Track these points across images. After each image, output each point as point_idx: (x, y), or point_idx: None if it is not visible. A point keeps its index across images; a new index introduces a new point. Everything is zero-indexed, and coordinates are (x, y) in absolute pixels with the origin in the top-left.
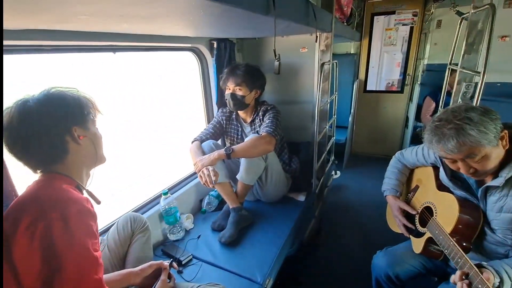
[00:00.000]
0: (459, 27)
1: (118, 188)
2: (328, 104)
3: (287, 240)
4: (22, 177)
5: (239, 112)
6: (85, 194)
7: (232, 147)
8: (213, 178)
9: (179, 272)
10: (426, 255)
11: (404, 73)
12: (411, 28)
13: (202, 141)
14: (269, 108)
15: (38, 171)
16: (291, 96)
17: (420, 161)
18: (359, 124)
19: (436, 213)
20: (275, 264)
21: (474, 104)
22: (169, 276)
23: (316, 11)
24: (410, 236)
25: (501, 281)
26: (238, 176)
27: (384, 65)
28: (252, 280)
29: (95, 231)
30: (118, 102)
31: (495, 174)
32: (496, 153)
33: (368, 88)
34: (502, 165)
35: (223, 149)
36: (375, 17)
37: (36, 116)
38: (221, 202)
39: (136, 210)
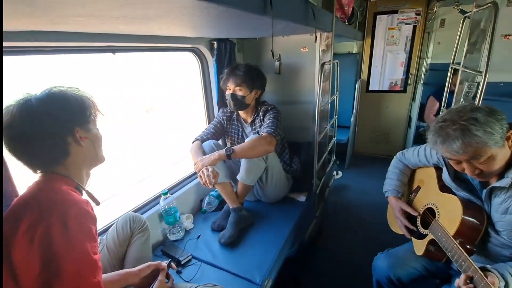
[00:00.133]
0: (462, 26)
1: (117, 189)
2: (329, 104)
3: (287, 241)
4: (23, 177)
5: (239, 112)
6: (85, 195)
7: (232, 147)
8: (213, 180)
9: (178, 272)
10: (428, 257)
11: (407, 73)
12: (414, 27)
13: (203, 141)
14: (269, 108)
15: (38, 171)
16: (292, 96)
17: (422, 162)
18: (361, 124)
19: (438, 214)
20: (275, 265)
21: (476, 104)
22: (168, 276)
23: (316, 10)
24: (412, 237)
25: (506, 284)
26: (238, 177)
27: (387, 65)
28: (251, 281)
29: (95, 234)
30: (118, 102)
31: (501, 175)
32: (502, 154)
33: (370, 88)
34: (508, 166)
35: (224, 150)
36: (378, 16)
37: (38, 116)
38: (222, 202)
39: (136, 210)
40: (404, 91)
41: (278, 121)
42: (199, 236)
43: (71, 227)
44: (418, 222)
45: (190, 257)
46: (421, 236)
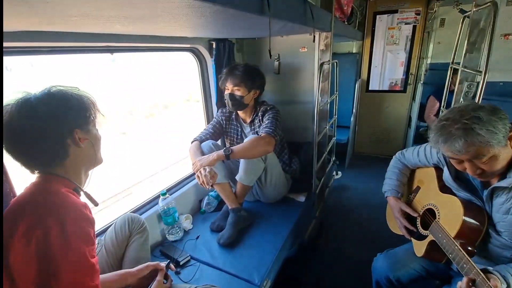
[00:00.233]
0: (461, 26)
1: (118, 189)
2: (329, 104)
3: (286, 241)
4: (22, 177)
5: (238, 112)
6: (83, 196)
7: (231, 148)
8: (210, 180)
9: (177, 273)
10: (428, 259)
11: (407, 73)
12: (414, 27)
13: (201, 141)
14: (268, 108)
15: (36, 172)
16: (291, 96)
17: (422, 162)
18: (361, 124)
19: (439, 215)
20: (274, 265)
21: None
22: (166, 277)
23: (314, 10)
24: (412, 238)
25: (508, 287)
26: (237, 177)
27: (387, 65)
28: (249, 282)
29: (93, 237)
30: (118, 102)
31: (502, 175)
32: (504, 154)
33: (370, 88)
34: (510, 166)
35: (222, 150)
36: (378, 16)
37: (38, 116)
38: (221, 203)
39: (135, 211)
40: (404, 91)
41: (277, 121)
42: (198, 236)
43: (69, 230)
44: (418, 222)
45: (189, 257)
46: (421, 237)
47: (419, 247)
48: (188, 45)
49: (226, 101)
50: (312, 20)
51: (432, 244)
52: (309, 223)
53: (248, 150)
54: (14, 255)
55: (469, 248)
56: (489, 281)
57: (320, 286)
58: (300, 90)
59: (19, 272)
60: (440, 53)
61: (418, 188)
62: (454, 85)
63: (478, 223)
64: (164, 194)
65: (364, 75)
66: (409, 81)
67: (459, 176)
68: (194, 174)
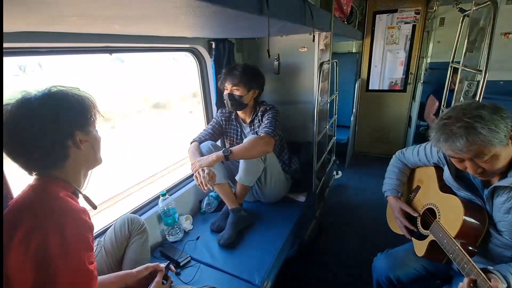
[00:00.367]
0: (461, 25)
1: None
2: (329, 104)
3: (286, 242)
4: (19, 177)
5: (238, 112)
6: (81, 199)
7: (230, 148)
8: (209, 181)
9: (177, 274)
10: (429, 258)
11: (406, 72)
12: (414, 26)
13: (201, 142)
14: (268, 108)
15: (34, 174)
16: (291, 96)
17: (422, 161)
18: (361, 124)
19: (439, 215)
20: (274, 265)
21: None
22: (166, 278)
23: (313, 10)
24: (412, 238)
25: (509, 286)
26: (237, 178)
27: (387, 64)
28: (250, 282)
29: (91, 243)
30: (118, 102)
31: (503, 174)
32: (506, 153)
33: (370, 87)
34: (510, 165)
35: (221, 151)
36: (377, 16)
37: (38, 116)
38: (221, 203)
39: (134, 212)
40: (404, 90)
41: (277, 121)
42: (198, 237)
43: (67, 237)
44: (418, 222)
45: (189, 258)
46: (421, 237)
47: (420, 247)
48: (188, 45)
49: (225, 101)
50: (312, 19)
51: (433, 244)
52: (309, 223)
53: (247, 150)
54: (12, 261)
55: (470, 248)
56: (490, 281)
57: (321, 286)
58: (300, 90)
59: (16, 278)
60: (440, 52)
61: (418, 187)
62: (454, 84)
63: (478, 223)
64: (164, 194)
65: (364, 74)
66: (409, 81)
67: (459, 176)
68: (193, 175)
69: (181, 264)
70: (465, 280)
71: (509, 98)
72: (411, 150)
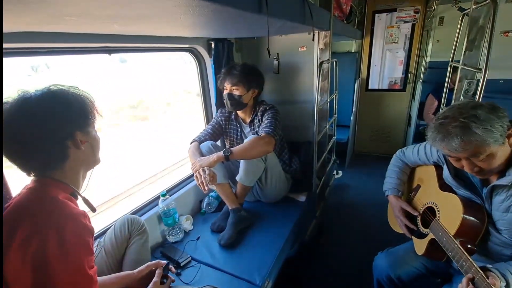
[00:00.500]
0: (461, 24)
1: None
2: (328, 103)
3: (287, 241)
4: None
5: (238, 112)
6: (80, 201)
7: (230, 149)
8: (209, 182)
9: (178, 274)
10: (429, 257)
11: (406, 71)
12: (413, 26)
13: (200, 142)
14: (267, 108)
15: (32, 175)
16: (291, 96)
17: (422, 160)
18: (361, 123)
19: (439, 214)
20: (275, 265)
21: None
22: (166, 277)
23: (313, 9)
24: (412, 237)
25: (507, 285)
26: (237, 178)
27: (386, 63)
28: (250, 282)
29: (91, 247)
30: (118, 102)
31: (501, 173)
32: (502, 152)
33: (370, 87)
34: (508, 164)
35: (222, 151)
36: (377, 15)
37: (38, 116)
38: (221, 203)
39: (134, 212)
40: (403, 89)
41: (277, 121)
42: (198, 237)
43: (67, 241)
44: (418, 221)
45: (190, 258)
46: (421, 235)
47: (420, 246)
48: (187, 45)
49: (225, 101)
50: (311, 19)
51: (433, 242)
52: (309, 222)
53: (247, 150)
54: (10, 266)
55: (469, 246)
56: (488, 279)
57: (321, 285)
58: (300, 90)
59: (14, 282)
60: (439, 51)
61: (419, 186)
62: (454, 83)
63: (478, 221)
64: (164, 195)
65: (363, 74)
66: (408, 80)
67: (458, 174)
68: (193, 175)
69: (182, 264)
70: (464, 280)
71: (509, 97)
72: (411, 149)
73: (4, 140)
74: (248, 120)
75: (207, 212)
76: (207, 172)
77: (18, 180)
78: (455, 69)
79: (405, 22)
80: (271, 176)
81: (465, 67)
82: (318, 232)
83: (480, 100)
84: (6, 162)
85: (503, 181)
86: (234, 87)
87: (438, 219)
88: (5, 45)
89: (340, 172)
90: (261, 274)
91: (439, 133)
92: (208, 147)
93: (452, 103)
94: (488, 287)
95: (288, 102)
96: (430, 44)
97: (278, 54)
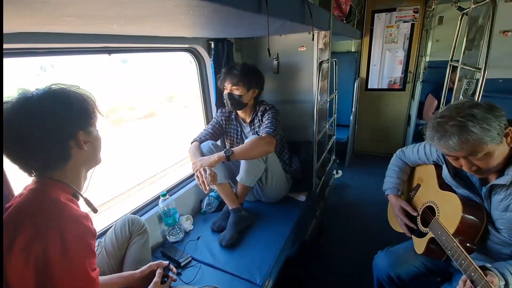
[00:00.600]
0: (460, 23)
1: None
2: (328, 103)
3: (287, 241)
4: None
5: (238, 112)
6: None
7: (231, 149)
8: (211, 182)
9: (178, 274)
10: (428, 255)
11: (405, 71)
12: (412, 25)
13: (201, 141)
14: (267, 108)
15: (33, 175)
16: (291, 95)
17: (422, 159)
18: (361, 123)
19: (438, 213)
20: (275, 265)
21: (476, 101)
22: (167, 277)
23: (312, 9)
24: (412, 236)
25: (507, 284)
26: (238, 178)
27: (386, 63)
28: (251, 282)
29: (94, 249)
30: (119, 102)
31: (500, 172)
32: (500, 151)
33: (369, 86)
34: (507, 163)
35: (223, 151)
36: (376, 15)
37: (40, 115)
38: (221, 203)
39: (135, 212)
40: (403, 89)
41: (277, 121)
42: (199, 237)
43: (70, 244)
44: (418, 220)
45: (190, 258)
46: (421, 234)
47: (419, 245)
48: (187, 45)
49: (225, 100)
50: (311, 18)
51: (432, 241)
52: (309, 222)
53: (248, 150)
54: (12, 270)
55: (468, 244)
56: (486, 277)
57: (322, 284)
58: (300, 89)
59: (17, 286)
60: (438, 51)
61: (418, 185)
62: (453, 83)
63: (477, 220)
64: (164, 195)
65: (363, 73)
66: (408, 79)
67: (458, 174)
68: (194, 174)
69: (182, 264)
70: (460, 282)
71: (508, 96)
72: (411, 148)
73: (5, 140)
74: (248, 120)
75: (207, 212)
76: (208, 172)
77: (18, 179)
78: (454, 68)
79: (404, 21)
80: (271, 176)
81: (465, 67)
82: (318, 232)
83: (479, 100)
84: (6, 161)
85: (501, 180)
86: (234, 87)
87: (438, 218)
88: (5, 46)
89: (340, 171)
90: (262, 274)
91: (437, 132)
92: (209, 147)
93: (452, 102)
94: (486, 285)
95: (288, 102)
96: (429, 44)
97: (277, 54)
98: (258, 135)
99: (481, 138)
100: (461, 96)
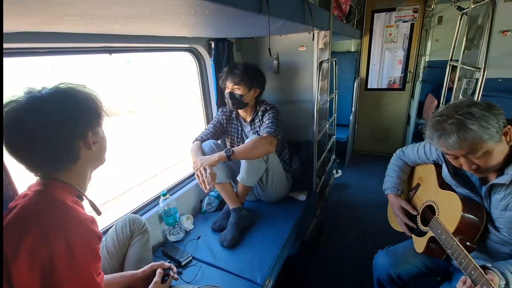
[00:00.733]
0: (459, 23)
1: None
2: (328, 103)
3: (288, 240)
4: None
5: (239, 111)
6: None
7: (232, 148)
8: (211, 181)
9: (179, 273)
10: (428, 254)
11: (405, 70)
12: (412, 25)
13: (202, 141)
14: (268, 108)
15: (38, 175)
16: (291, 95)
17: (422, 159)
18: (360, 122)
19: (438, 212)
20: (276, 264)
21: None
22: (167, 276)
23: (313, 9)
24: (412, 235)
25: (507, 283)
26: (238, 178)
27: (385, 63)
28: (252, 281)
29: (99, 253)
30: (119, 102)
31: (500, 171)
32: (500, 149)
33: (369, 86)
34: (507, 162)
35: (224, 151)
36: (376, 14)
37: (49, 115)
38: (222, 202)
39: (135, 212)
40: (402, 89)
41: (278, 121)
42: (199, 236)
43: (76, 249)
44: (418, 219)
45: (191, 258)
46: (421, 234)
47: (419, 244)
48: (187, 45)
49: (226, 100)
50: (311, 18)
51: (432, 240)
52: (310, 221)
53: (250, 150)
54: (18, 275)
55: (468, 243)
56: (486, 276)
57: (322, 283)
58: (300, 89)
59: None
60: (438, 50)
61: (418, 185)
62: (453, 82)
63: (476, 219)
64: (164, 194)
65: (362, 73)
66: (407, 79)
67: (457, 173)
68: (194, 174)
69: (183, 263)
70: (459, 282)
71: (508, 96)
72: (411, 148)
73: (12, 140)
74: (248, 120)
75: (208, 212)
76: (208, 171)
77: (20, 177)
78: (454, 68)
79: (404, 21)
80: (272, 176)
81: (464, 66)
82: (318, 231)
83: (479, 99)
84: (12, 160)
85: (501, 179)
86: (236, 86)
87: (438, 217)
88: (6, 45)
89: (339, 171)
90: (262, 273)
91: (436, 130)
92: (211, 146)
93: (452, 101)
94: (486, 283)
95: (288, 101)
96: (429, 43)
97: (278, 54)
98: (259, 134)
99: (480, 136)
100: (460, 96)
